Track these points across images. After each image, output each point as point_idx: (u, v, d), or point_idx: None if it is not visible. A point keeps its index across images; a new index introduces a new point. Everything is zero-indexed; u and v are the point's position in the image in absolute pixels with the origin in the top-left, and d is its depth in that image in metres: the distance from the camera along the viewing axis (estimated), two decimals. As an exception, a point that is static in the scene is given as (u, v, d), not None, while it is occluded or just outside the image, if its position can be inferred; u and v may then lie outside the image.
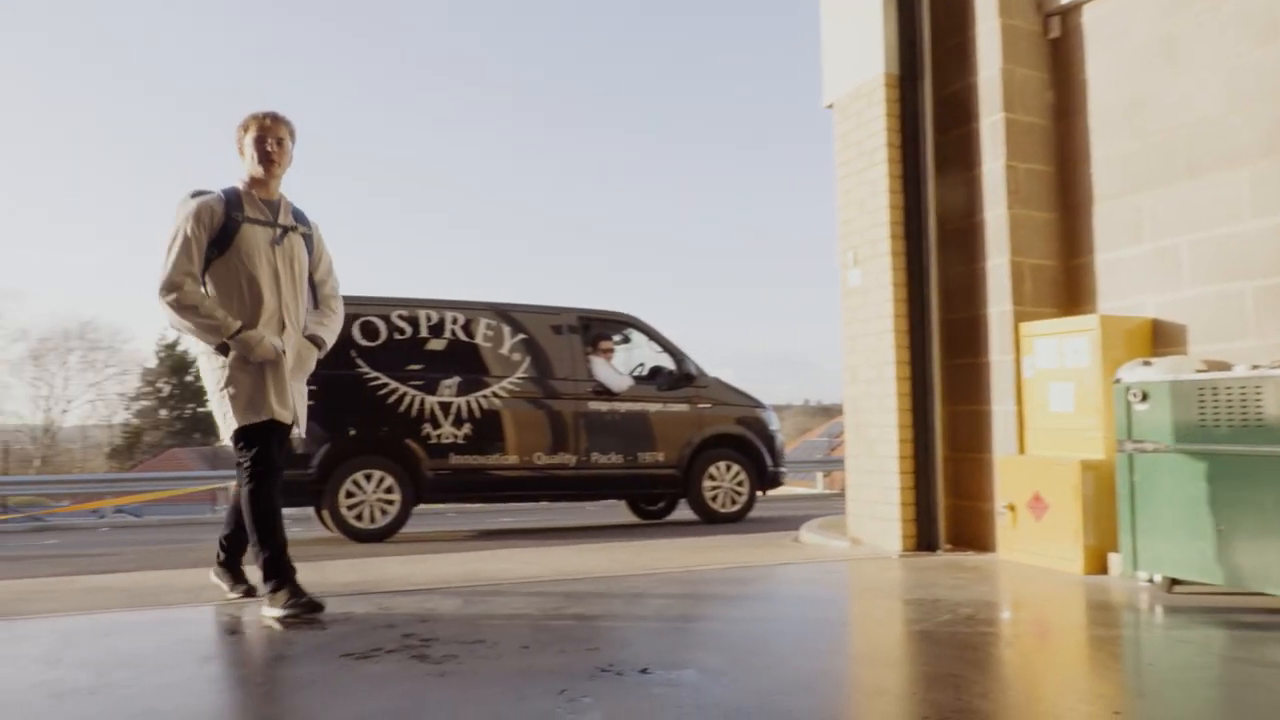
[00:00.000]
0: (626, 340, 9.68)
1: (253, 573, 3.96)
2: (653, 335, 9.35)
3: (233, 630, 3.56)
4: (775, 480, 9.61)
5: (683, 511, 9.68)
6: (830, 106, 5.92)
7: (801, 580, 4.65)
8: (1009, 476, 4.96)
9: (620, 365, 9.36)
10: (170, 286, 3.63)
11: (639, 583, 4.49)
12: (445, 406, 8.22)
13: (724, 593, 4.25)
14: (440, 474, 8.19)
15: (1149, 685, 2.71)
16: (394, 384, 8.13)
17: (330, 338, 4.10)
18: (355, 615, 3.69)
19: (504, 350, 8.59)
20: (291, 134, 3.92)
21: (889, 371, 5.40)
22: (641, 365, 9.57)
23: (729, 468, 9.19)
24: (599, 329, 9.15)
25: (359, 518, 7.88)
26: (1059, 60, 5.28)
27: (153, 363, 46.47)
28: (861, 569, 4.87)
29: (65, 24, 58.22)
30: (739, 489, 9.21)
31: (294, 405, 3.90)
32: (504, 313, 8.75)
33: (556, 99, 75.16)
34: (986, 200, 5.22)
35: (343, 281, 4.16)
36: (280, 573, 3.73)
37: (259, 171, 3.83)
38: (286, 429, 3.88)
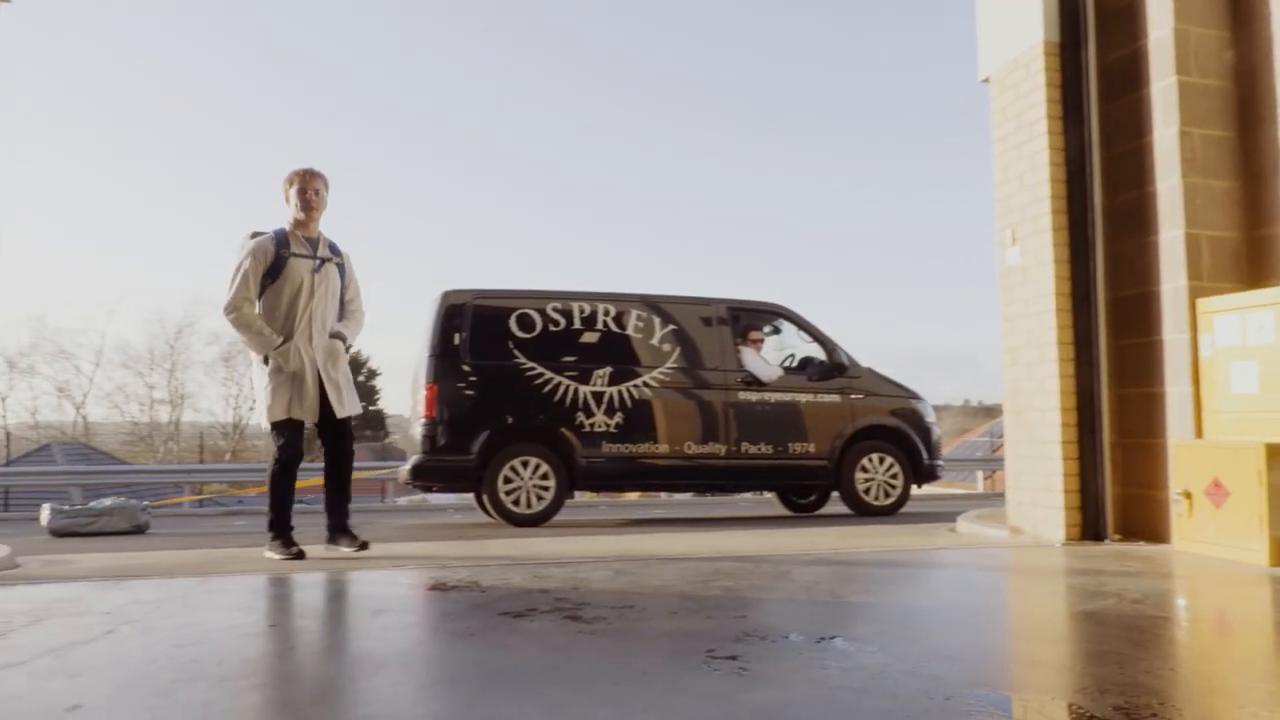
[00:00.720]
0: (777, 331, 9.62)
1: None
2: (803, 325, 9.25)
3: (399, 590, 3.79)
4: (931, 474, 9.33)
5: (834, 506, 9.54)
6: (986, 80, 5.73)
7: (956, 564, 4.53)
8: (1185, 462, 4.67)
9: (770, 356, 9.32)
10: (231, 308, 4.72)
11: (788, 561, 4.48)
12: (598, 396, 8.41)
13: (875, 573, 4.20)
14: (593, 462, 8.38)
15: (1340, 670, 2.51)
16: (549, 374, 8.37)
17: (351, 335, 5.11)
18: (511, 582, 3.85)
19: (654, 341, 8.71)
20: (326, 184, 4.95)
21: (1050, 353, 5.18)
22: (792, 356, 9.50)
23: (882, 460, 8.98)
24: (748, 319, 9.14)
25: (516, 503, 8.15)
26: (1240, 16, 4.92)
27: (328, 363, 49.43)
28: (1021, 555, 4.70)
29: (265, 39, 62.89)
30: (893, 482, 9.00)
31: (331, 398, 4.87)
32: (654, 304, 8.87)
33: (718, 100, 75.19)
34: (1158, 170, 4.92)
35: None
36: (281, 529, 4.86)
37: (301, 216, 4.87)
38: (313, 423, 4.91)
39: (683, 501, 15.24)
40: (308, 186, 4.86)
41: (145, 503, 9.89)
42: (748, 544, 5.45)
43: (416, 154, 70.40)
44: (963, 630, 2.98)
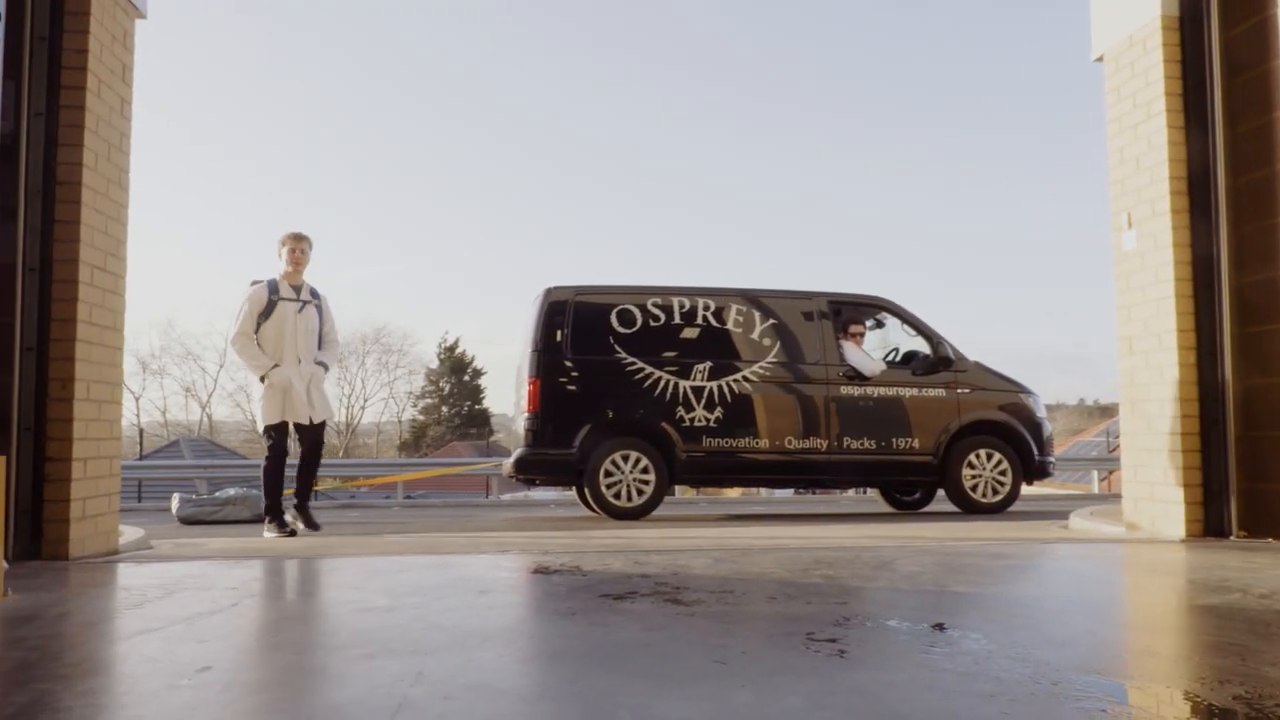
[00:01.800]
0: (880, 324, 9.45)
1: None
2: (907, 318, 9.06)
3: (503, 573, 3.89)
4: (1042, 471, 9.00)
5: (939, 504, 9.33)
6: (1099, 59, 5.52)
7: (1068, 557, 4.39)
8: (1319, 455, 4.41)
9: (873, 350, 9.17)
10: (235, 340, 6.19)
11: (890, 552, 4.41)
12: (698, 391, 8.42)
13: (981, 564, 4.09)
14: (693, 456, 8.39)
15: None
16: (649, 369, 8.42)
17: (331, 361, 6.55)
18: (612, 567, 3.90)
19: (754, 335, 8.67)
20: (310, 245, 6.36)
21: (1169, 341, 4.95)
22: (895, 349, 9.32)
23: (990, 456, 8.71)
24: (850, 313, 9.00)
25: (617, 496, 8.22)
26: (1379, -18, 4.62)
27: (435, 363, 50.76)
28: (1137, 549, 4.51)
29: (377, 55, 65.27)
30: (1001, 479, 8.72)
31: (309, 406, 6.22)
32: (754, 298, 8.82)
33: (821, 93, 74.15)
34: (1289, 147, 4.66)
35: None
36: (276, 514, 6.15)
37: (290, 269, 6.29)
38: (302, 424, 6.24)
39: (783, 499, 15.12)
40: (295, 247, 6.29)
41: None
42: (849, 536, 5.38)
43: (509, 153, 71.86)
44: (1073, 620, 2.89)
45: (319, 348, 6.40)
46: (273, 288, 6.21)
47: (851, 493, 14.62)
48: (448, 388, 50.64)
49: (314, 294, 6.38)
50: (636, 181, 73.99)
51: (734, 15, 71.86)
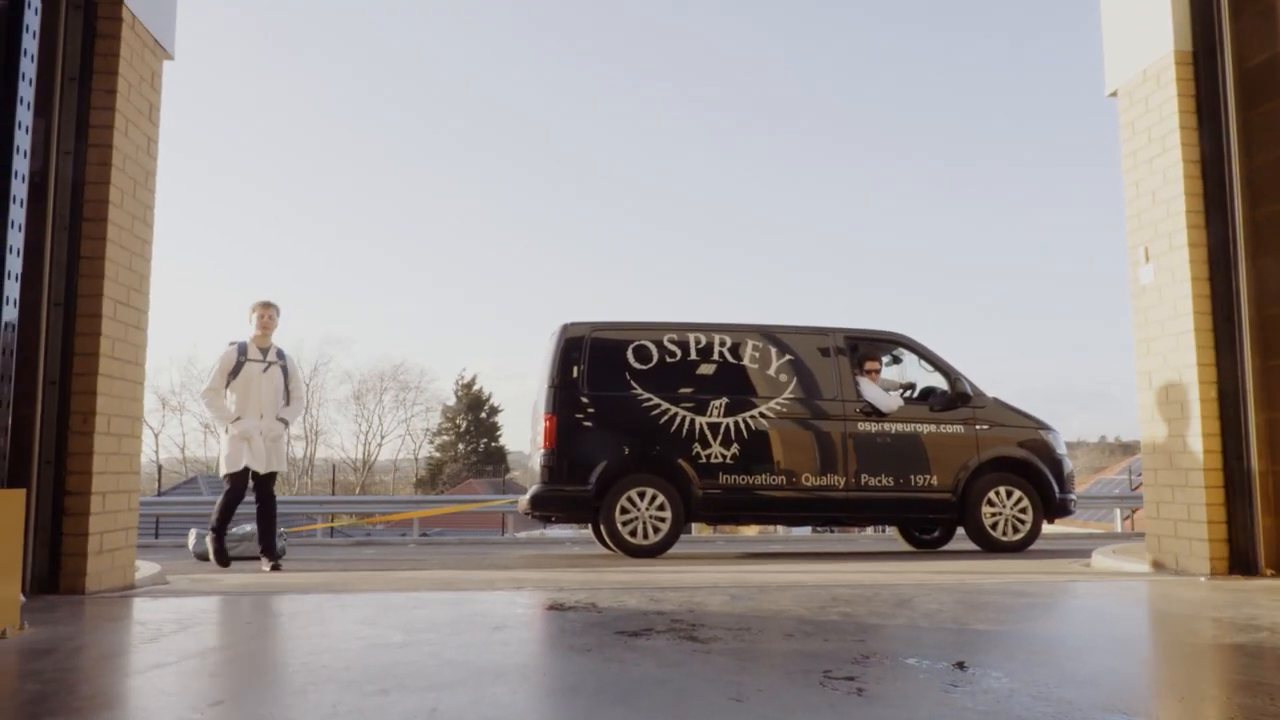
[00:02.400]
0: (897, 360, 9.41)
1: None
2: (924, 354, 9.02)
3: (518, 609, 3.86)
4: (1063, 509, 8.88)
5: (959, 543, 9.22)
6: (1113, 94, 5.54)
7: (1090, 594, 4.32)
8: (1346, 491, 4.34)
9: (890, 386, 9.13)
10: (204, 394, 7.06)
11: (909, 590, 4.36)
12: (714, 427, 8.39)
13: (1002, 602, 4.03)
14: (710, 493, 8.33)
15: None
16: (666, 405, 8.40)
17: (292, 418, 7.27)
18: (627, 604, 3.87)
19: (771, 371, 8.65)
20: (278, 311, 7.16)
21: (1190, 375, 4.91)
22: (913, 385, 9.27)
23: (1010, 493, 8.62)
24: (867, 349, 8.97)
25: (633, 534, 8.16)
26: (1394, 17, 4.63)
27: (452, 400, 50.87)
28: (1161, 587, 4.44)
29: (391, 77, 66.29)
30: (1021, 517, 8.61)
31: (266, 457, 6.94)
32: (770, 334, 8.81)
33: (820, 115, 74.37)
34: (1307, 180, 4.64)
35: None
36: (219, 543, 7.02)
37: (258, 333, 7.05)
38: (259, 473, 6.97)
39: (800, 536, 15.00)
40: (264, 314, 7.06)
41: (281, 530, 10.34)
42: (867, 573, 5.33)
43: (512, 171, 72.50)
44: (1096, 658, 2.84)
45: (286, 403, 7.14)
46: (242, 350, 7.00)
47: (870, 531, 14.50)
48: (464, 425, 50.67)
49: (280, 355, 7.15)
50: (643, 204, 74.41)
51: (752, 45, 72.49)
